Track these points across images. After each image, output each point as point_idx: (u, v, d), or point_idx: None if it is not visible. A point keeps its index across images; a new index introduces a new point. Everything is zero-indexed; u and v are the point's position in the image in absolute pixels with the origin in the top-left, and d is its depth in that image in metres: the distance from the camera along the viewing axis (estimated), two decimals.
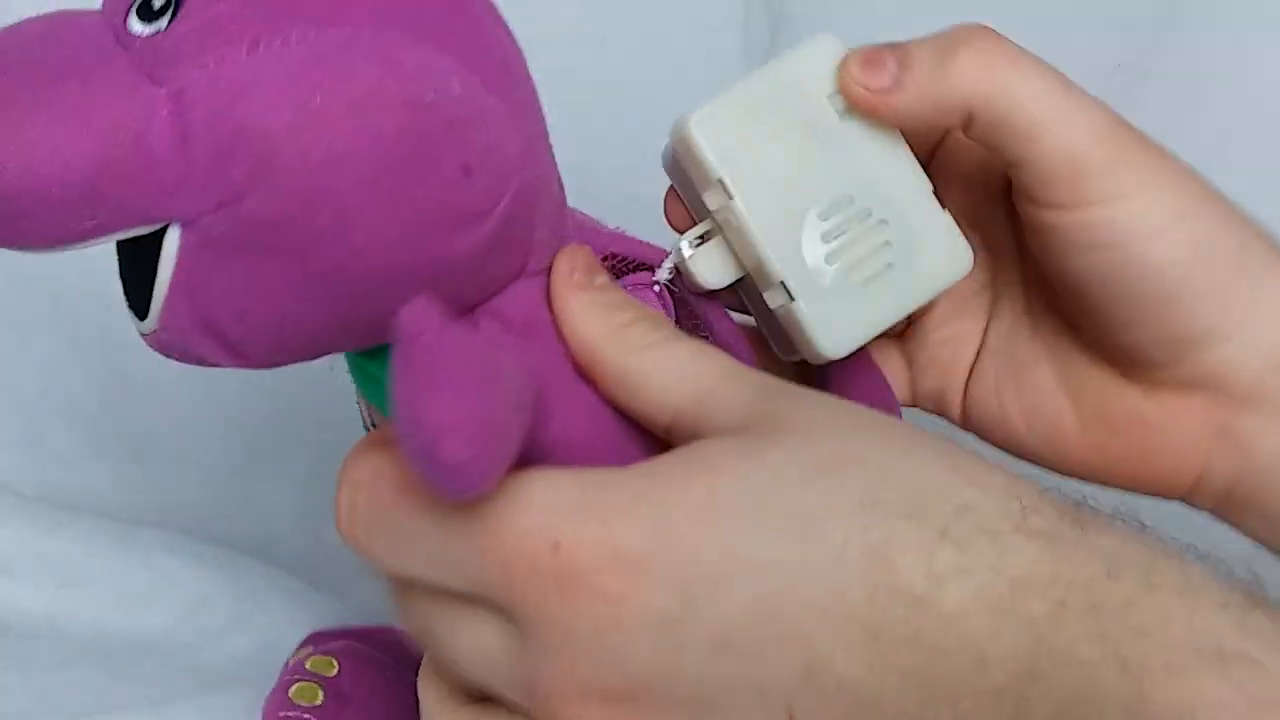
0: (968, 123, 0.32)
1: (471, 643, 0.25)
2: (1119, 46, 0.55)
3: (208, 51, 0.24)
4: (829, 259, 0.32)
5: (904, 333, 0.37)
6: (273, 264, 0.25)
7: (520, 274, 0.29)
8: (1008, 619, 0.22)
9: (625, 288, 0.32)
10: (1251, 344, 0.32)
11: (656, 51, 0.55)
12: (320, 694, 0.40)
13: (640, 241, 0.33)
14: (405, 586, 0.27)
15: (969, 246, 0.33)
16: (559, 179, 0.30)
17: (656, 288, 0.33)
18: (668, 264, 0.33)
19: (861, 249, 0.32)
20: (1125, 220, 0.31)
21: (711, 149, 0.32)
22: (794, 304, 0.32)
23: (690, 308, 0.33)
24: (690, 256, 0.32)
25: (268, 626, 0.46)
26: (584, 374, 0.29)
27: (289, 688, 0.40)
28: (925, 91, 0.31)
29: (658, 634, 0.23)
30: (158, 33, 0.25)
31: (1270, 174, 0.56)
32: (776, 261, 0.32)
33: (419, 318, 0.23)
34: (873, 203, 0.32)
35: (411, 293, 0.24)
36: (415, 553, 0.25)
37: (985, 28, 0.33)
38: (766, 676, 0.23)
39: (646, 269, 0.33)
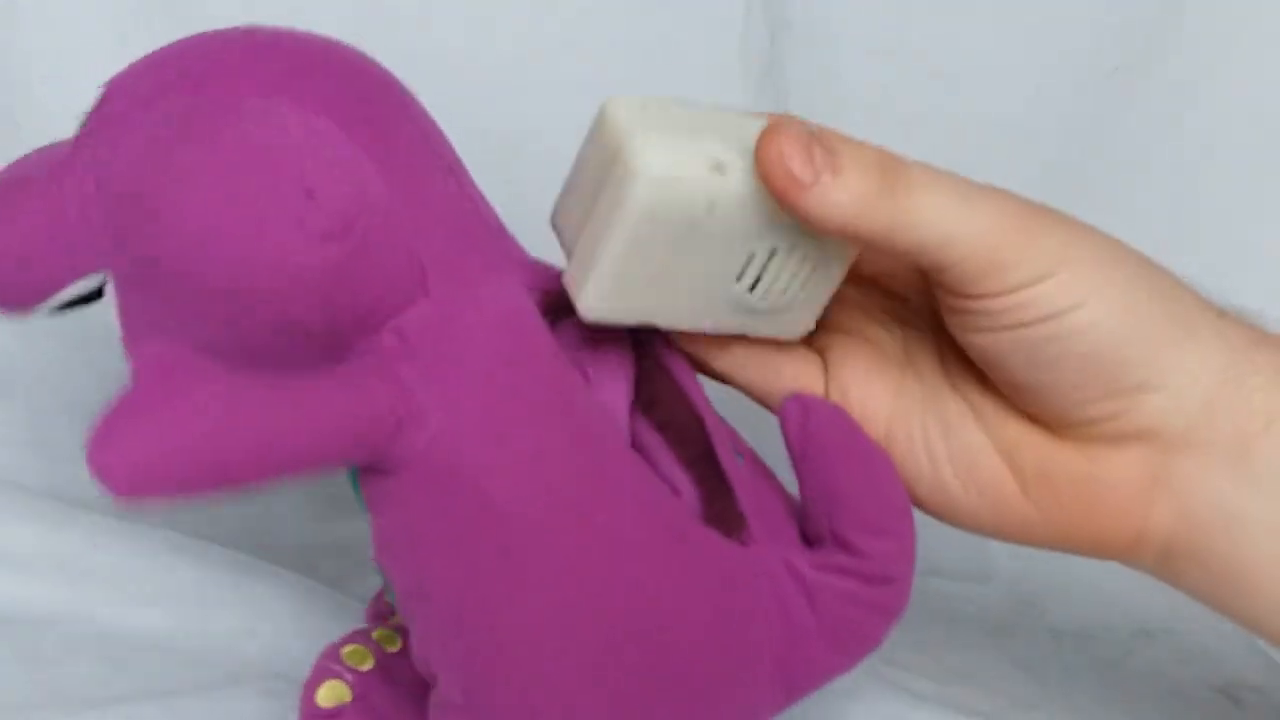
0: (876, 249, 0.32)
1: None
2: (1119, 46, 0.55)
3: (109, 126, 0.31)
4: (759, 295, 0.33)
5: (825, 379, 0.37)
6: (162, 294, 0.30)
7: (423, 294, 0.31)
8: None
9: (567, 330, 0.34)
10: (1182, 392, 0.32)
11: (656, 52, 0.55)
12: (371, 659, 0.40)
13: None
14: None
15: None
16: (482, 219, 0.33)
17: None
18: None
19: (783, 278, 0.33)
20: (1048, 298, 0.31)
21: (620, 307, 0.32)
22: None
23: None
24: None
25: (272, 628, 0.47)
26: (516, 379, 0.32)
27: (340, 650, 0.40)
28: (832, 211, 0.31)
29: None
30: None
31: (1270, 174, 0.56)
32: (721, 329, 0.34)
33: (149, 352, 0.29)
34: (777, 240, 0.32)
35: (284, 298, 0.29)
36: None
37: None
38: None
39: None
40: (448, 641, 0.33)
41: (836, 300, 0.36)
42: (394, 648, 0.40)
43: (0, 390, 0.54)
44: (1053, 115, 0.56)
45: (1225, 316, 0.33)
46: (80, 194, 0.30)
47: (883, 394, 0.36)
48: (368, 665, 0.39)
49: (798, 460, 0.35)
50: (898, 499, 0.35)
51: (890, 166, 0.31)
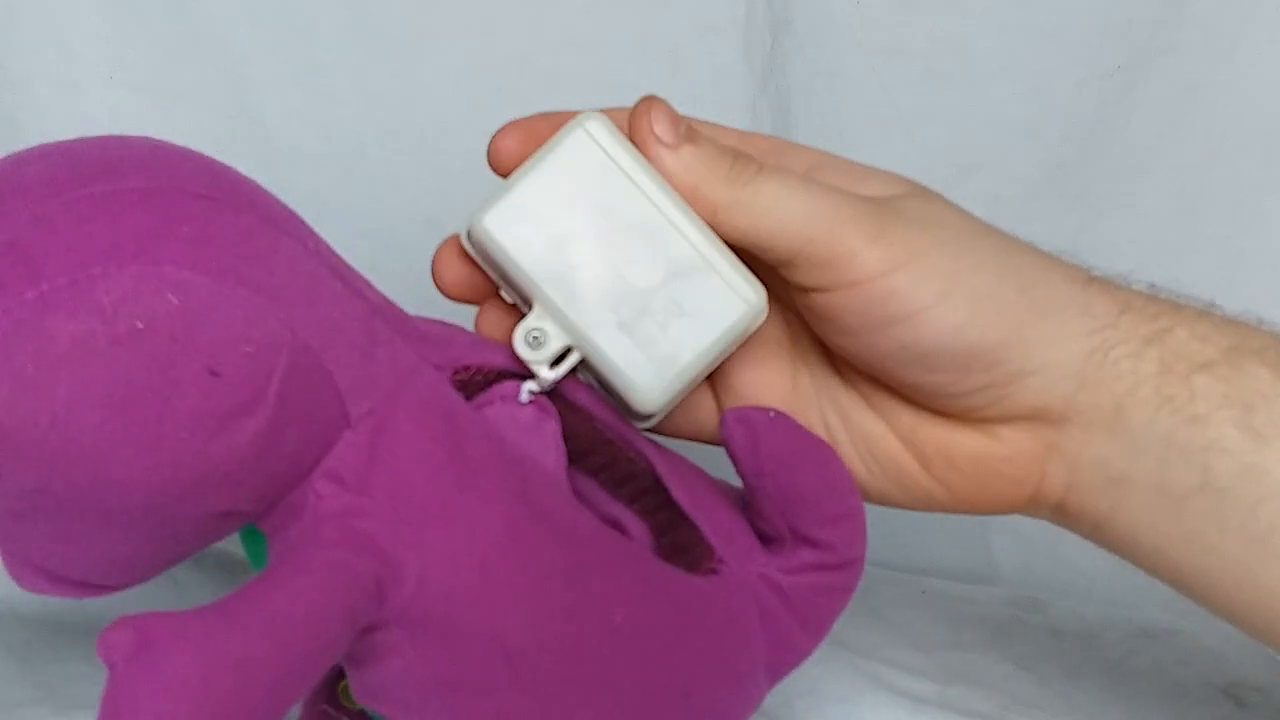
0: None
1: None
2: (1119, 46, 0.55)
3: None
4: (627, 330, 0.33)
5: (712, 380, 0.37)
6: (62, 518, 0.25)
7: (344, 426, 0.28)
8: None
9: (493, 403, 0.32)
10: (1053, 372, 0.33)
11: (657, 52, 0.55)
12: None
13: (489, 344, 0.33)
14: None
15: (760, 291, 0.34)
16: (374, 310, 0.30)
17: (527, 397, 0.32)
18: (528, 387, 0.33)
19: (654, 316, 0.33)
20: (898, 295, 0.32)
21: (518, 253, 0.32)
22: (609, 376, 0.33)
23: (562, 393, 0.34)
24: (529, 360, 0.33)
25: None
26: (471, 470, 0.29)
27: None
28: (682, 170, 0.33)
29: None
30: None
31: (1270, 174, 0.56)
32: (598, 349, 0.33)
33: (114, 639, 0.23)
34: (659, 263, 0.33)
35: (213, 494, 0.25)
36: None
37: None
38: None
39: (509, 377, 0.33)
40: None
41: None
42: None
43: None
44: (1054, 115, 0.56)
45: (1092, 285, 0.34)
46: None
47: (777, 391, 0.37)
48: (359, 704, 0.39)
49: (751, 475, 0.34)
50: (847, 483, 0.35)
51: (742, 157, 0.33)
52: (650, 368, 0.33)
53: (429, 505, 0.28)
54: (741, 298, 0.33)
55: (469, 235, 0.34)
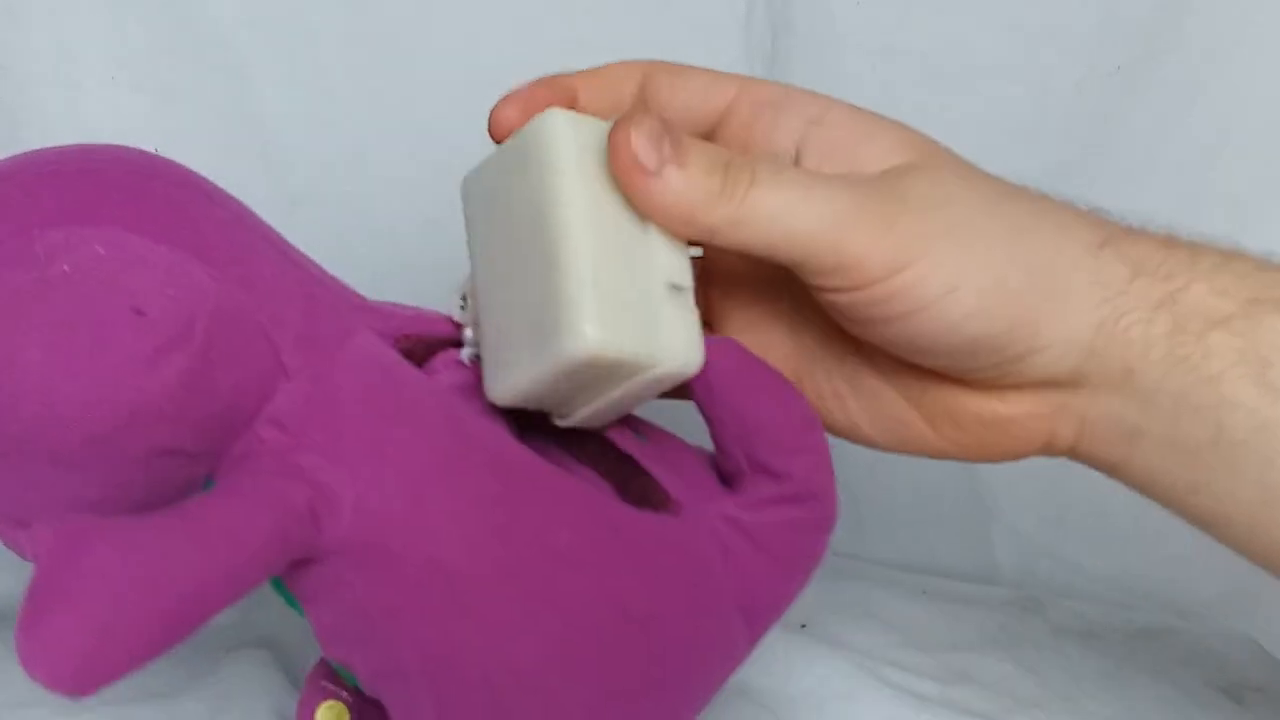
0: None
1: None
2: (1119, 46, 0.55)
3: None
4: (498, 330, 0.32)
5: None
6: (21, 460, 0.28)
7: (282, 376, 0.30)
8: None
9: (437, 371, 0.33)
10: (1063, 347, 0.33)
11: (657, 53, 0.55)
12: None
13: (433, 316, 0.34)
14: None
15: (699, 351, 0.33)
16: (315, 279, 0.32)
17: (468, 358, 0.34)
18: (467, 350, 0.33)
19: (516, 324, 0.32)
20: (910, 289, 0.32)
21: (471, 220, 0.33)
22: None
23: None
24: (460, 320, 0.33)
25: (271, 628, 0.47)
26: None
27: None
28: (671, 202, 0.31)
29: None
30: None
31: (1270, 174, 0.56)
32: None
33: (40, 533, 0.26)
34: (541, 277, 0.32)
35: (153, 428, 0.28)
36: None
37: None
38: None
39: (449, 344, 0.34)
40: (441, 705, 0.31)
41: (724, 276, 0.37)
42: None
43: None
44: (1055, 115, 0.56)
45: (1105, 250, 0.33)
46: None
47: (780, 351, 0.37)
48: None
49: (706, 403, 0.35)
50: (805, 413, 0.35)
51: (735, 164, 0.32)
52: (495, 372, 0.32)
53: (363, 441, 0.30)
54: (574, 332, 0.30)
55: (465, 183, 0.34)
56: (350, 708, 0.37)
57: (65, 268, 0.28)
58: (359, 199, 0.56)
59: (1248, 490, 0.32)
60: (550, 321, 0.30)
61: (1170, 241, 0.34)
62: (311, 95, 0.55)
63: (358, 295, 0.34)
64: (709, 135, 0.36)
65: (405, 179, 0.56)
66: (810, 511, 0.35)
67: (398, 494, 0.30)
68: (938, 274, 0.32)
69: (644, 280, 0.31)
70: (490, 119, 0.34)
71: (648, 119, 0.31)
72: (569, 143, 0.31)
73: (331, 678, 0.38)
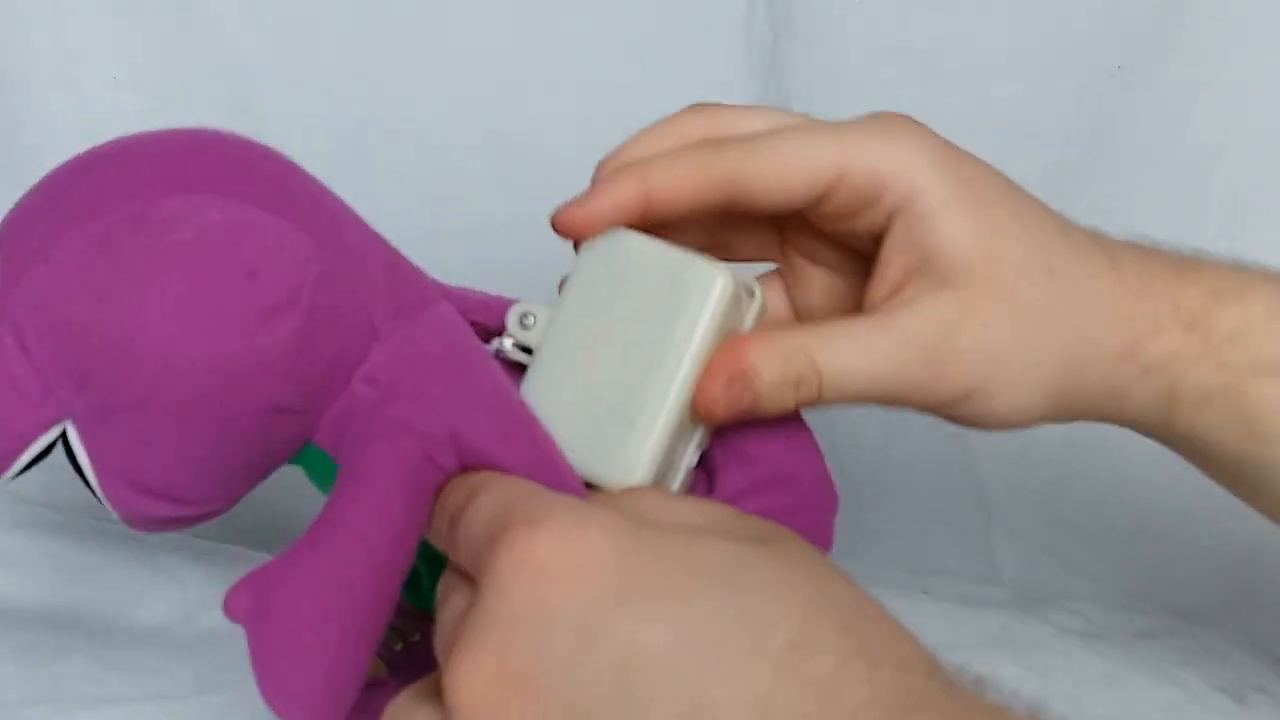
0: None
1: (453, 604, 0.29)
2: (1119, 46, 0.55)
3: (19, 274, 0.30)
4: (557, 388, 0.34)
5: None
6: (140, 414, 0.30)
7: (373, 339, 0.32)
8: None
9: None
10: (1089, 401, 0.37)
11: (657, 52, 0.55)
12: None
13: (497, 306, 0.36)
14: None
15: (647, 472, 0.33)
16: (396, 253, 0.35)
17: (494, 348, 0.35)
18: (508, 340, 0.35)
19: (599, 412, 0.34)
20: (969, 415, 0.35)
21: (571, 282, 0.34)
22: None
23: None
24: (508, 327, 0.35)
25: None
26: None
27: None
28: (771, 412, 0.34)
29: (576, 635, 0.25)
30: None
31: (1270, 174, 0.56)
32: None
33: (232, 602, 0.31)
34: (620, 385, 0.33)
35: (264, 384, 0.30)
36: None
37: None
38: (650, 714, 0.25)
39: (492, 335, 0.36)
40: None
41: (793, 246, 0.38)
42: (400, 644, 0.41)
43: None
44: (1055, 115, 0.56)
45: (1130, 358, 0.35)
46: (20, 339, 0.30)
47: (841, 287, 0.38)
48: (397, 646, 0.39)
49: None
50: None
51: (804, 380, 0.34)
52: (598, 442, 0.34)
53: (449, 389, 0.32)
54: (617, 465, 0.33)
55: (600, 241, 0.34)
56: (386, 661, 0.38)
57: (185, 233, 0.29)
58: (359, 199, 0.56)
59: None
60: (616, 439, 0.33)
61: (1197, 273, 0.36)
62: (311, 95, 0.55)
63: (425, 274, 0.36)
64: (798, 213, 0.36)
65: (405, 179, 0.56)
66: (791, 495, 0.36)
67: (490, 431, 0.32)
68: (996, 398, 0.35)
69: (687, 441, 0.34)
70: (556, 219, 0.34)
71: (721, 376, 0.33)
72: (720, 307, 0.33)
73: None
